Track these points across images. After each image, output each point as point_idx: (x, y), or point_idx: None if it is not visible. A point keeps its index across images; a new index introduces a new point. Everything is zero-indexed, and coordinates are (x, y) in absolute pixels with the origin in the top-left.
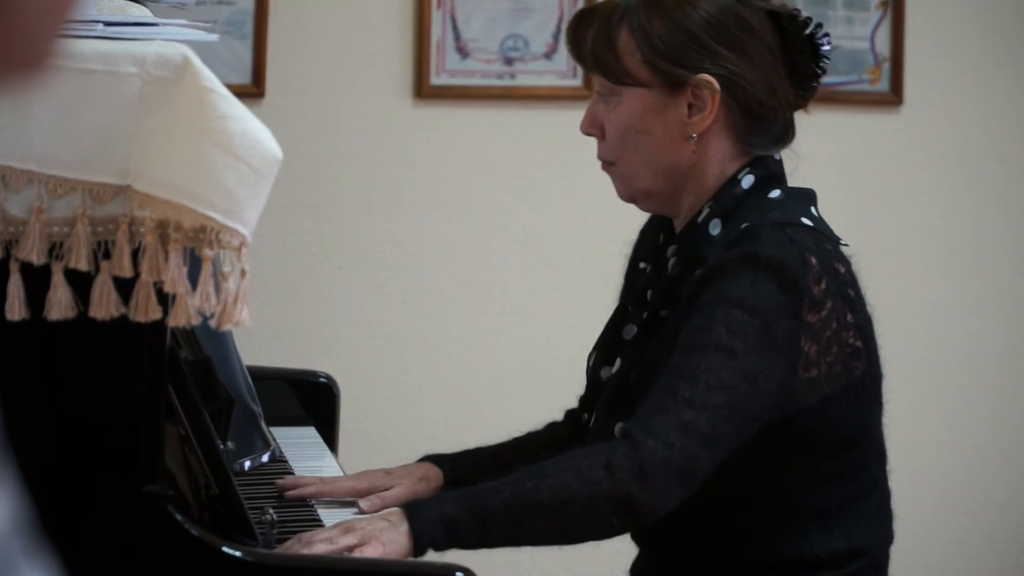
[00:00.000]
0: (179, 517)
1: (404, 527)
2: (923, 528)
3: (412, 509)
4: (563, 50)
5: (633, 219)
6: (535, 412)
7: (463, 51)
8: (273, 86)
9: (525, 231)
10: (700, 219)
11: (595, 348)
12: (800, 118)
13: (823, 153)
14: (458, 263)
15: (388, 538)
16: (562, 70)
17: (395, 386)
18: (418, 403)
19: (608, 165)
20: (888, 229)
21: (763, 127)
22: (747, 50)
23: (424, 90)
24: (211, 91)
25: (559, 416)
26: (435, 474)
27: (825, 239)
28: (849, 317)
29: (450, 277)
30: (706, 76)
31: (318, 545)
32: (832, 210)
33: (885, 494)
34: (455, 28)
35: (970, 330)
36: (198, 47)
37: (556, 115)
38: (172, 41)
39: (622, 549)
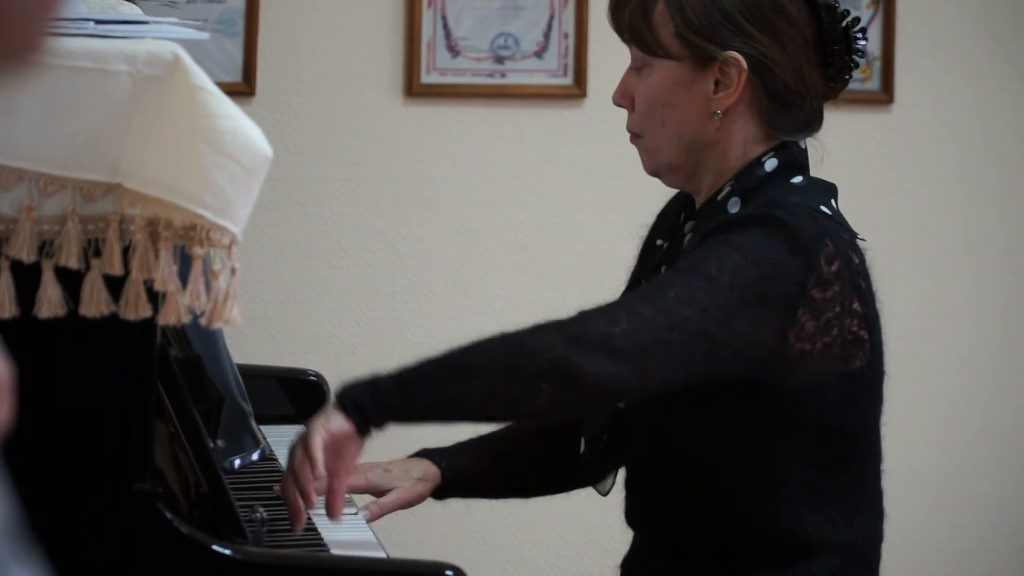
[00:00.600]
0: (169, 515)
1: (333, 404)
2: (915, 527)
3: (341, 387)
4: (554, 49)
5: (623, 219)
6: None
7: (453, 50)
8: (264, 84)
9: (515, 230)
10: (720, 197)
11: None
12: None
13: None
14: (448, 262)
15: (319, 420)
16: (552, 69)
17: None
18: None
19: (636, 138)
20: (879, 228)
21: (789, 112)
22: (779, 33)
23: (414, 88)
24: (202, 89)
25: None
26: (432, 473)
27: (842, 229)
28: (856, 305)
29: (440, 276)
30: (734, 54)
31: (290, 487)
32: None
33: (877, 492)
34: (445, 27)
35: (961, 329)
36: (189, 45)
37: (547, 114)
38: (163, 39)
39: (612, 547)
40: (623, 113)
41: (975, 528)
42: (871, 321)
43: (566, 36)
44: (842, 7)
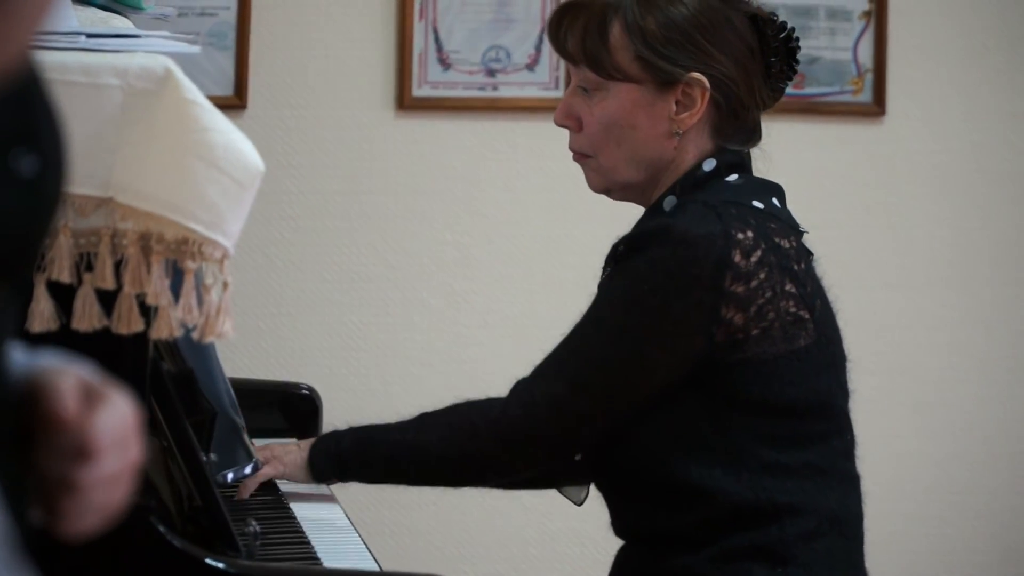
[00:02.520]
0: (162, 529)
1: (306, 455)
2: (899, 537)
3: (316, 441)
4: (545, 62)
5: (616, 231)
6: None
7: (445, 63)
8: (255, 98)
9: (508, 243)
10: (659, 198)
11: None
12: (783, 128)
13: (805, 163)
14: (440, 275)
15: (289, 460)
16: (544, 82)
17: (377, 398)
18: (400, 415)
19: (582, 157)
20: (870, 239)
21: (741, 125)
22: (732, 50)
23: (406, 102)
24: (193, 103)
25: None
26: None
27: (772, 219)
28: (789, 287)
29: (432, 289)
30: (697, 75)
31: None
32: (814, 220)
33: (850, 473)
34: (437, 40)
35: (950, 340)
36: (180, 59)
37: (538, 126)
38: (154, 53)
39: (606, 561)
40: None
41: (958, 540)
42: (810, 300)
43: None
44: (780, 18)
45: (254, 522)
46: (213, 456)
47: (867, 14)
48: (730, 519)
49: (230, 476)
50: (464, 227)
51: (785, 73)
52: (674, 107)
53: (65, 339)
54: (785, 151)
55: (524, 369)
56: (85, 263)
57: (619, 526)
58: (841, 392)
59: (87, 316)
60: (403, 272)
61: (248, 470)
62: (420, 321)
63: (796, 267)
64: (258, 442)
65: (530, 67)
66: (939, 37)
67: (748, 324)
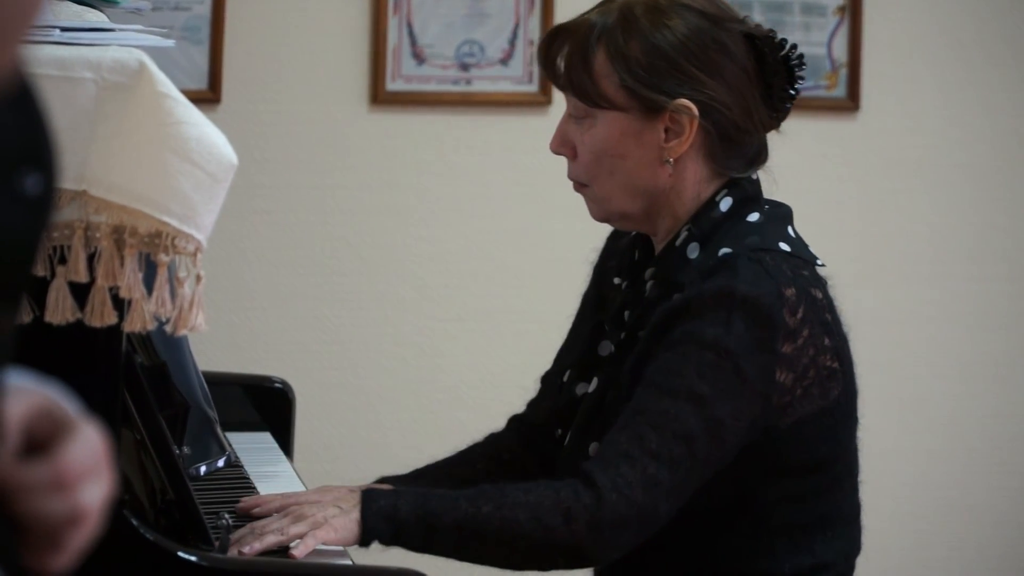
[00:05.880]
0: (135, 522)
1: (355, 515)
2: (881, 535)
3: (367, 500)
4: (519, 56)
5: (590, 226)
6: (490, 418)
7: (419, 57)
8: (229, 92)
9: (481, 237)
10: (678, 243)
11: (568, 364)
12: None
13: (778, 158)
14: (414, 269)
15: (339, 524)
16: (518, 76)
17: (350, 392)
18: (374, 409)
19: (581, 186)
20: (844, 235)
21: (739, 150)
22: (724, 74)
23: (380, 96)
24: (167, 96)
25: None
26: None
27: (803, 264)
28: (826, 341)
29: (406, 283)
30: (684, 101)
31: (269, 537)
32: None
33: (856, 508)
34: (411, 34)
35: (927, 336)
36: (155, 53)
37: (512, 121)
38: (128, 47)
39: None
40: None
41: (941, 535)
42: (840, 349)
43: (531, 43)
44: (779, 36)
45: (227, 515)
46: (186, 449)
47: (841, 9)
48: None
49: (203, 469)
50: (438, 221)
51: (787, 92)
52: (663, 135)
53: (38, 332)
54: None
55: (497, 362)
56: (58, 256)
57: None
58: (856, 429)
59: (60, 309)
60: (376, 266)
61: (221, 463)
62: (393, 315)
63: (829, 317)
64: (231, 435)
65: (504, 62)
66: (914, 32)
67: (795, 385)
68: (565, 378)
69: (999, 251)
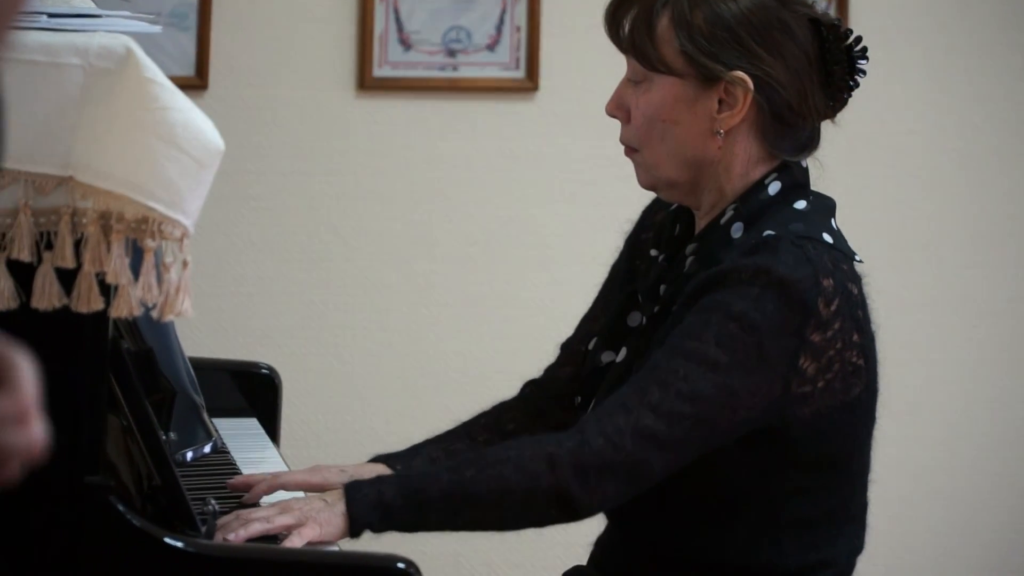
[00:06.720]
0: (121, 508)
1: (340, 508)
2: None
3: (351, 491)
4: (506, 42)
5: (575, 211)
6: (476, 403)
7: (406, 43)
8: (216, 78)
9: (468, 223)
10: (723, 221)
11: (594, 332)
12: None
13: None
14: (400, 255)
15: (325, 519)
16: (505, 62)
17: (337, 377)
18: (360, 394)
19: (631, 151)
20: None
21: (791, 133)
22: (784, 53)
23: (367, 82)
24: (154, 82)
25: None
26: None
27: (842, 257)
28: (855, 337)
29: (392, 269)
30: (740, 74)
31: (255, 524)
32: None
33: (863, 507)
34: (398, 20)
35: (919, 323)
36: (141, 39)
37: (499, 107)
38: (115, 32)
39: (567, 541)
40: (575, 105)
41: (928, 521)
42: (868, 347)
43: (518, 29)
44: (844, 26)
45: (213, 501)
46: (172, 435)
47: None
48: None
49: (189, 455)
50: (425, 207)
51: (846, 83)
52: (716, 105)
53: (25, 318)
54: None
55: (483, 348)
56: (45, 242)
57: (618, 516)
58: (873, 427)
59: (47, 295)
60: (363, 252)
61: (207, 449)
62: (380, 301)
63: (861, 314)
64: (217, 421)
65: (491, 47)
66: (901, 17)
67: (817, 376)
68: (591, 346)
69: (976, 239)
